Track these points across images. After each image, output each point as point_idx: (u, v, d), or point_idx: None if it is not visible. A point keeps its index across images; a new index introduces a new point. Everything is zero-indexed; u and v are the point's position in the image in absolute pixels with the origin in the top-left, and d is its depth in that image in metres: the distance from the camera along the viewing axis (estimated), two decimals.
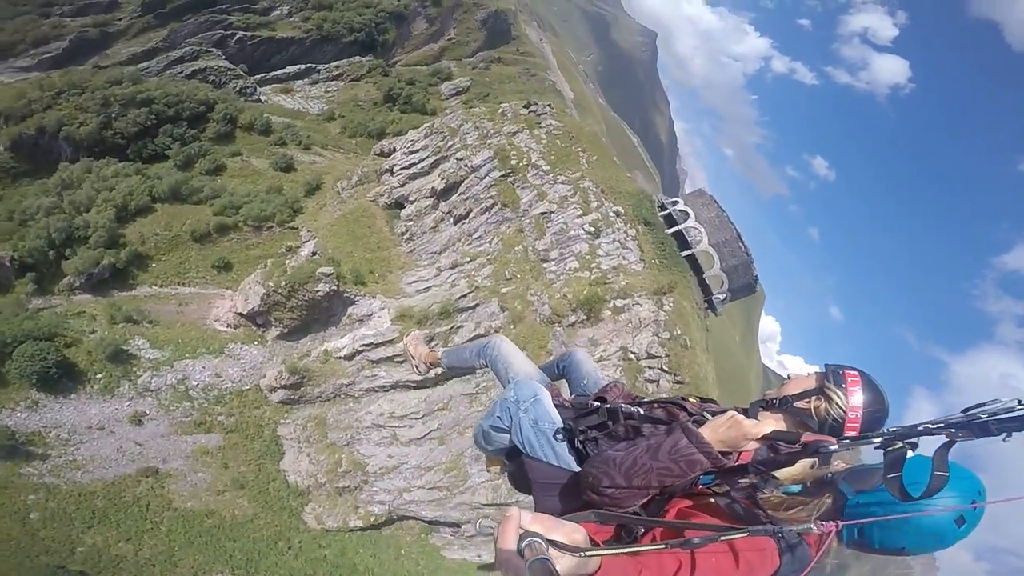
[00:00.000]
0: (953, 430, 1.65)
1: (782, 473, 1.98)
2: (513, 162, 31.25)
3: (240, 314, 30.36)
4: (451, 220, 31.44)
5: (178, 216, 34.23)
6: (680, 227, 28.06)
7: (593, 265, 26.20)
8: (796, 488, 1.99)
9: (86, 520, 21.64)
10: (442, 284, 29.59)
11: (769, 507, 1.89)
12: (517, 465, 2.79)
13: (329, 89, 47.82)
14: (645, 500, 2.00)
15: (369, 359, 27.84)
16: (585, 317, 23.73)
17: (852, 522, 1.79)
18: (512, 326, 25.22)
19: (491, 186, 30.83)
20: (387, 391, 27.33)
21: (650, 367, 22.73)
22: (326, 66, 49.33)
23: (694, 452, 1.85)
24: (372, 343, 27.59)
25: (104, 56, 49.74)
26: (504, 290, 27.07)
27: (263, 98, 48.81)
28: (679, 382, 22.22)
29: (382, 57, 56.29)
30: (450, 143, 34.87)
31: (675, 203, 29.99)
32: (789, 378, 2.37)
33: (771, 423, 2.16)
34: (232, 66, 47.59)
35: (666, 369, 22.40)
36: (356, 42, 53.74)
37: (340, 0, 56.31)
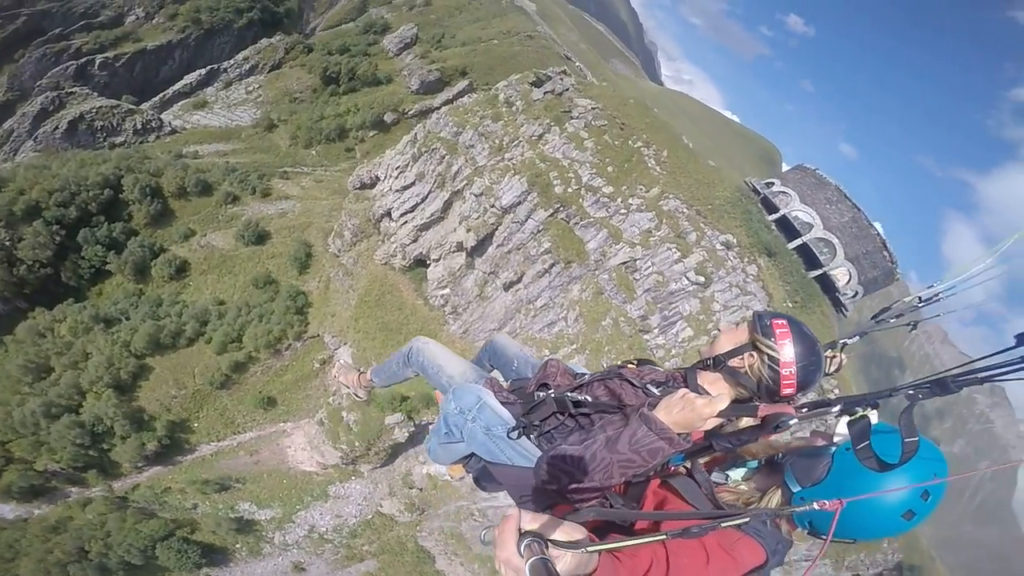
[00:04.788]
0: (912, 392, 1.59)
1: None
2: (558, 190, 22.83)
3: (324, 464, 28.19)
4: (499, 284, 24.99)
5: (181, 367, 29.63)
6: (805, 239, 20.83)
7: (710, 327, 20.60)
8: (755, 464, 1.99)
9: None
10: None
11: (726, 503, 1.86)
12: (481, 469, 2.64)
13: (251, 88, 35.21)
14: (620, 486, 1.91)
15: None
16: None
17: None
18: None
19: (539, 232, 23.33)
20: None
21: None
22: (231, 62, 35.30)
23: (655, 440, 1.71)
24: None
25: None
26: None
27: (175, 123, 37.32)
28: None
29: (294, 30, 40.12)
30: (453, 166, 25.82)
31: (784, 194, 21.76)
32: (720, 331, 2.27)
33: (724, 394, 1.85)
34: (115, 101, 35.53)
35: None
36: (252, 23, 37.80)
37: None
